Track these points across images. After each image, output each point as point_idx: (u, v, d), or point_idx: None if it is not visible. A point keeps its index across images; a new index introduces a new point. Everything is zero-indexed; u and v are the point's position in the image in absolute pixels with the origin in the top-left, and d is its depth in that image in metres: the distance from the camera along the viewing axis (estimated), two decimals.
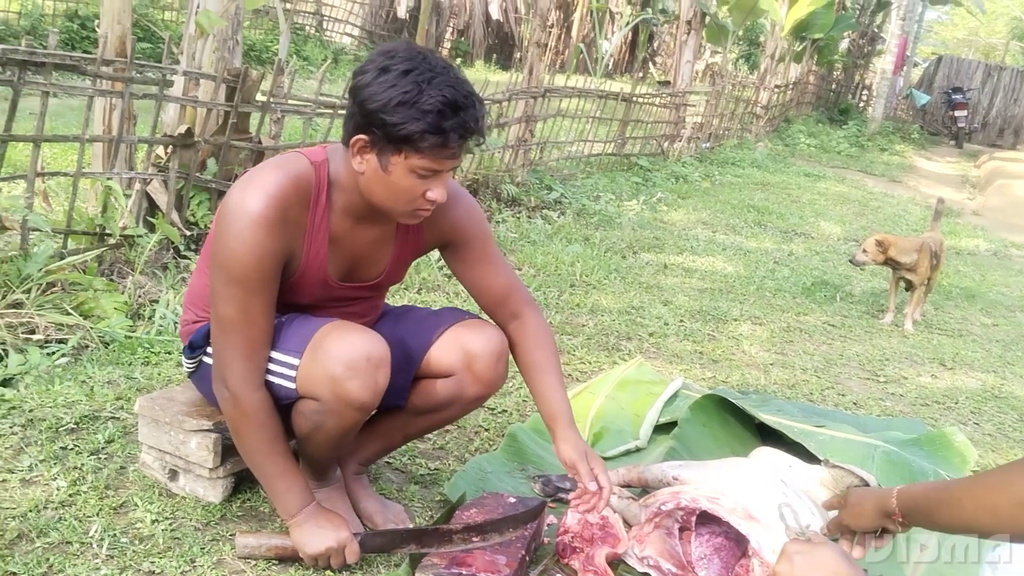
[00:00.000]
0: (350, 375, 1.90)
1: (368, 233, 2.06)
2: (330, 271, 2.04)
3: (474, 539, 2.08)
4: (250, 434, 1.97)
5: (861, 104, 21.56)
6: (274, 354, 1.99)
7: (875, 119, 18.19)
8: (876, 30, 21.26)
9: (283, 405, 2.03)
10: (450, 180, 2.02)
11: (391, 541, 2.10)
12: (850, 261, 5.24)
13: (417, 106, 1.78)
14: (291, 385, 1.97)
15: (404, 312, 2.33)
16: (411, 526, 2.26)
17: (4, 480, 2.21)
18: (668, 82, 16.11)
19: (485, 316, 2.29)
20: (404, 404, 2.21)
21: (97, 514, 2.12)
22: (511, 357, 2.23)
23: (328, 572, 2.03)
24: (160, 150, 4.07)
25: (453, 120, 1.80)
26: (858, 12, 19.36)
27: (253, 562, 2.03)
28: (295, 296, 2.04)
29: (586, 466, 2.02)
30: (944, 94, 20.81)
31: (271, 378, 1.99)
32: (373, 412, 2.07)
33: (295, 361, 1.96)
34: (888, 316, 5.12)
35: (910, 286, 5.08)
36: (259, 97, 4.32)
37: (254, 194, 1.87)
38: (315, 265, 2.01)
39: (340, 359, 1.91)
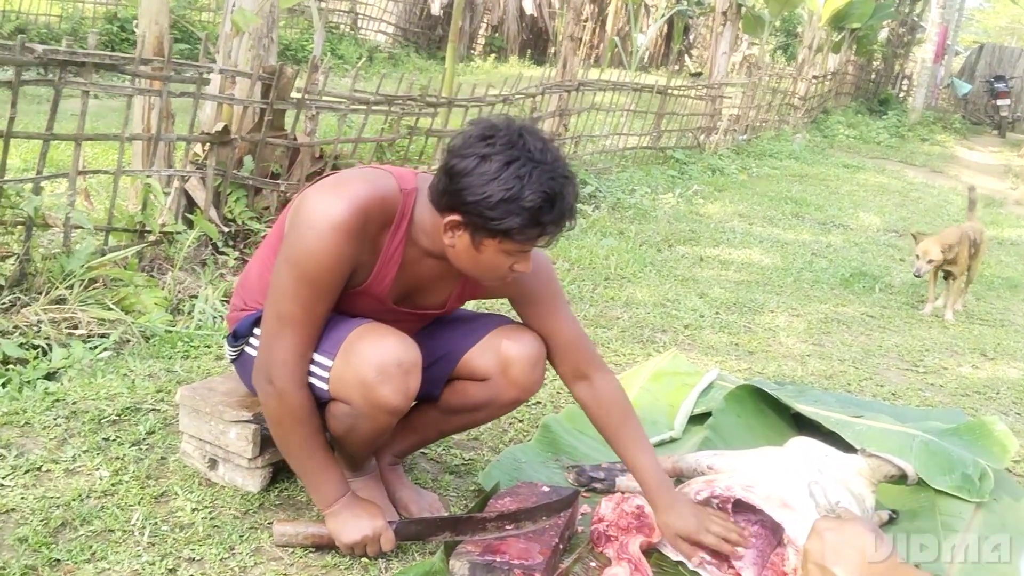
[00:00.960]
0: (381, 380, 1.91)
1: (436, 267, 2.05)
2: (390, 295, 2.06)
3: (508, 527, 2.09)
4: (292, 430, 1.98)
5: (901, 94, 21.26)
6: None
7: (915, 109, 17.92)
8: (916, 19, 20.92)
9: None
10: None
11: (426, 529, 2.12)
12: (915, 275, 5.00)
13: (519, 203, 1.79)
14: (324, 386, 1.99)
15: (457, 315, 2.32)
16: (446, 514, 2.28)
17: (49, 470, 2.26)
18: (699, 73, 15.99)
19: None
20: (438, 395, 2.22)
21: (139, 503, 2.16)
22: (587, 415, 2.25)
23: (364, 559, 2.05)
24: (198, 148, 4.14)
25: (551, 215, 1.83)
26: (897, 1, 19.06)
27: (291, 550, 2.06)
28: (346, 307, 2.03)
29: (688, 547, 2.07)
30: (986, 83, 20.43)
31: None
32: (405, 413, 2.08)
33: (328, 363, 1.97)
34: (928, 306, 5.05)
35: (950, 276, 5.01)
36: (294, 94, 4.36)
37: (340, 200, 1.87)
38: (379, 287, 2.02)
39: (372, 364, 1.91)
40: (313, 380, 1.99)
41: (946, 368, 4.11)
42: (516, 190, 1.78)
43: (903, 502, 2.58)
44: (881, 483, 2.37)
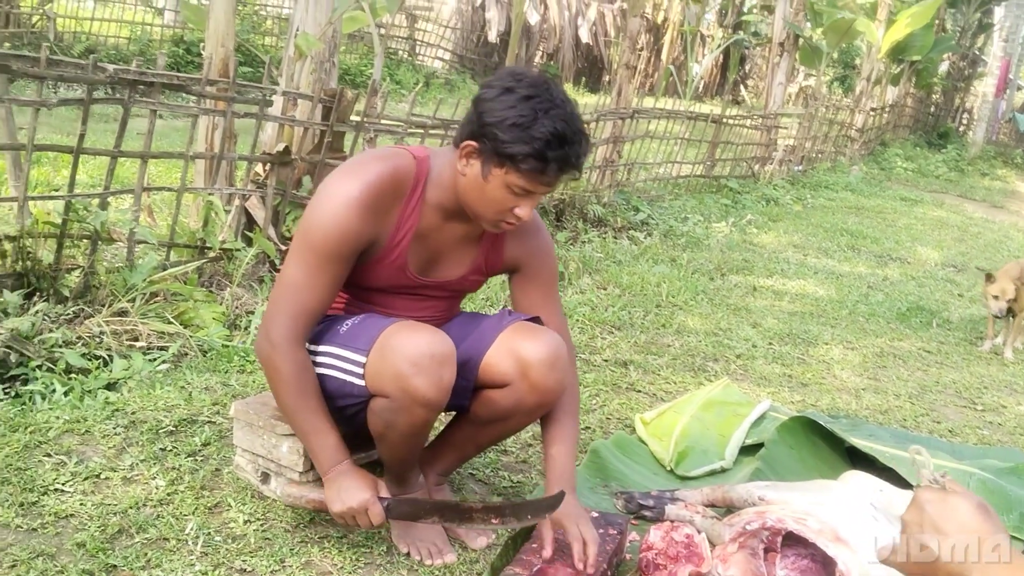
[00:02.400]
0: (416, 372, 1.95)
1: (453, 232, 2.15)
2: (410, 262, 2.13)
3: (493, 520, 2.07)
4: (284, 387, 2.03)
5: (961, 128, 20.91)
6: (342, 352, 2.06)
7: (976, 143, 17.61)
8: (977, 52, 20.61)
9: (357, 410, 2.09)
10: (534, 213, 2.17)
11: (416, 510, 2.12)
12: (997, 316, 4.88)
13: (529, 131, 1.90)
14: (360, 383, 2.03)
15: (471, 317, 2.38)
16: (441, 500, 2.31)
17: (107, 477, 2.31)
18: (738, 101, 15.86)
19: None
20: (467, 406, 2.24)
21: (193, 513, 2.20)
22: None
23: (423, 569, 2.07)
24: (259, 167, 4.22)
25: (558, 152, 1.92)
26: (958, 34, 18.80)
27: (341, 564, 2.08)
28: (370, 279, 2.13)
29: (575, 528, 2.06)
30: None
31: (341, 375, 2.06)
32: (441, 410, 2.10)
33: (362, 359, 2.02)
34: (987, 343, 4.94)
35: (1010, 312, 4.90)
36: (353, 117, 4.44)
37: (353, 178, 2.01)
38: (396, 252, 2.10)
39: (406, 356, 1.95)
40: (350, 378, 2.05)
41: (1005, 406, 4.01)
42: (529, 119, 1.90)
43: None
44: None
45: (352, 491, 2.02)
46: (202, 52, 4.92)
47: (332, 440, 2.05)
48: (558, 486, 2.13)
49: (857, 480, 2.41)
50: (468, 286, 2.30)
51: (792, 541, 2.15)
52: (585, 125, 2.00)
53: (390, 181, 2.03)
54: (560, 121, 1.91)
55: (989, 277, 4.94)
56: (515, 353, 2.14)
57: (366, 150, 2.27)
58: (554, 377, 2.14)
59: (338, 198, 1.98)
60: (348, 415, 2.11)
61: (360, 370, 2.02)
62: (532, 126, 1.90)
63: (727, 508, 2.43)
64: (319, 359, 2.09)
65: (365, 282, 2.14)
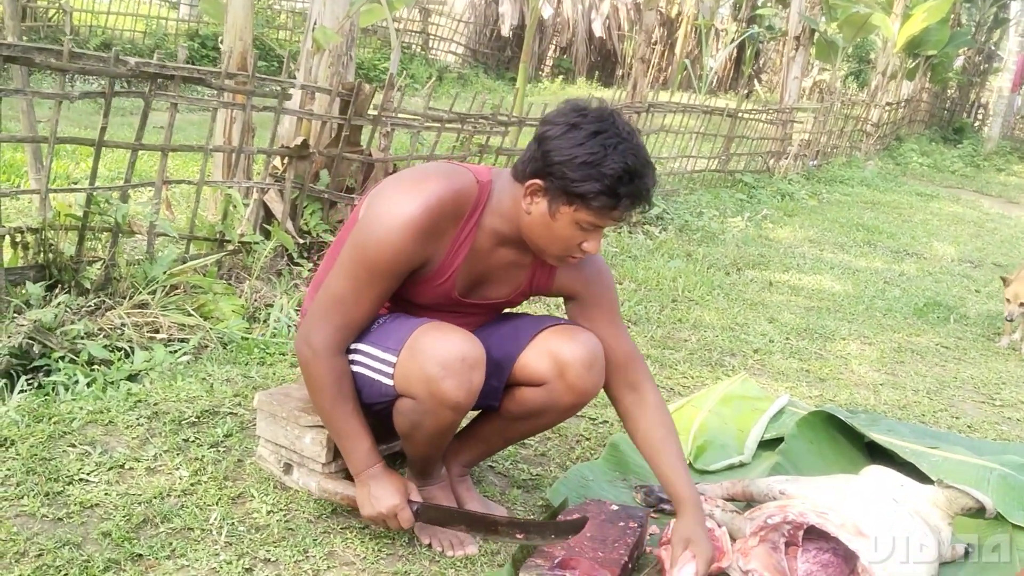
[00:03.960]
0: (445, 375, 1.95)
1: (504, 257, 2.11)
2: (456, 284, 2.10)
3: (518, 535, 2.10)
4: (322, 392, 2.04)
5: (976, 123, 20.78)
6: (373, 351, 2.06)
7: (991, 138, 17.51)
8: (993, 47, 20.49)
9: (383, 407, 2.10)
10: None
11: (445, 517, 2.15)
12: (1008, 320, 4.84)
13: (599, 168, 1.86)
14: (389, 382, 2.03)
15: (502, 317, 2.35)
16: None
17: (131, 468, 2.33)
18: (748, 94, 15.81)
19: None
20: (498, 406, 2.24)
21: (216, 503, 2.21)
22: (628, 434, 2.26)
23: (447, 562, 2.07)
24: (277, 161, 4.24)
25: (629, 187, 1.89)
26: (974, 29, 18.68)
27: (363, 554, 2.10)
28: (414, 295, 2.10)
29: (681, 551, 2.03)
30: None
31: (370, 373, 2.06)
32: (468, 412, 2.11)
33: (392, 359, 2.02)
34: (1005, 339, 4.92)
35: None
36: (370, 111, 4.44)
37: (414, 196, 1.95)
38: (445, 275, 2.07)
39: (436, 359, 1.95)
40: (378, 376, 2.05)
41: (1023, 402, 4.00)
42: (600, 156, 1.86)
43: (980, 536, 2.51)
44: (958, 516, 2.32)
45: (383, 496, 2.04)
46: (219, 46, 4.94)
47: (367, 444, 2.07)
48: (690, 507, 2.10)
49: (878, 475, 2.41)
50: (510, 305, 2.28)
51: (814, 535, 2.16)
52: (649, 156, 1.96)
53: (451, 204, 1.98)
54: (630, 155, 1.88)
55: (1005, 280, 4.92)
56: (553, 354, 2.13)
57: (426, 164, 2.23)
58: (591, 379, 2.14)
59: (397, 218, 1.93)
60: (374, 411, 2.12)
61: (390, 369, 2.02)
62: (602, 163, 1.86)
63: (747, 502, 2.43)
64: (350, 355, 2.09)
65: (409, 296, 2.11)
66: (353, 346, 2.08)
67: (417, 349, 1.99)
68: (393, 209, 1.95)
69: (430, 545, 2.17)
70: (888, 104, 14.38)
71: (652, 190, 1.96)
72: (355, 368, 2.08)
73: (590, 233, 1.96)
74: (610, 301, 2.25)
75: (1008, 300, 4.80)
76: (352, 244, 2.00)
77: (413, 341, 2.00)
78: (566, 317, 2.29)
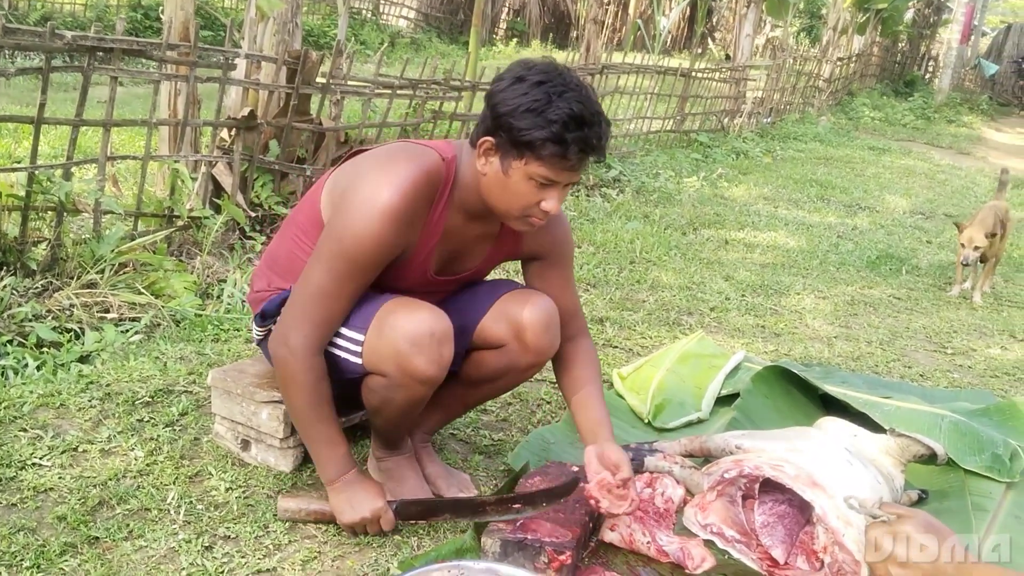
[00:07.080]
0: (415, 351, 1.94)
1: (473, 231, 2.10)
2: (433, 264, 2.09)
3: (514, 507, 2.08)
4: (299, 395, 2.00)
5: (927, 75, 21.00)
6: (340, 329, 2.03)
7: (942, 90, 17.73)
8: None
9: (349, 380, 2.08)
10: None
11: (427, 510, 2.14)
12: (964, 264, 4.88)
13: (544, 115, 1.83)
14: (357, 360, 2.02)
15: (463, 286, 2.35)
16: (475, 494, 2.29)
17: (85, 450, 2.30)
18: (729, 56, 15.84)
19: None
20: (458, 372, 2.24)
21: (173, 482, 2.19)
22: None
23: (396, 537, 2.07)
24: (224, 133, 4.16)
25: (576, 133, 1.85)
26: None
27: (324, 527, 2.09)
28: (391, 280, 2.06)
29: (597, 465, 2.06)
30: (1014, 63, 20.19)
31: (337, 352, 2.04)
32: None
33: (360, 337, 2.00)
34: (955, 288, 5.01)
35: (982, 259, 4.95)
36: (319, 79, 4.38)
37: (389, 184, 1.91)
38: (421, 258, 2.06)
39: (405, 336, 1.94)
40: (346, 355, 2.03)
41: (974, 350, 4.08)
42: (543, 102, 1.83)
43: (933, 482, 2.57)
44: (911, 463, 2.37)
45: (365, 500, 2.03)
46: (161, 17, 4.82)
47: (343, 450, 2.05)
48: (603, 431, 2.12)
49: (832, 426, 2.45)
50: (480, 275, 2.27)
51: (769, 488, 2.19)
52: (601, 107, 1.92)
53: (424, 187, 1.95)
54: (575, 102, 1.84)
55: (959, 226, 4.99)
56: (510, 317, 2.14)
57: (391, 143, 2.18)
58: (547, 339, 2.16)
59: (374, 207, 1.89)
60: (339, 385, 2.09)
61: (358, 348, 2.00)
62: (546, 110, 1.82)
63: (705, 458, 2.46)
64: None
65: (385, 282, 2.06)
66: None
67: (385, 326, 1.97)
68: (369, 198, 1.90)
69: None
70: (840, 59, 14.46)
71: (604, 140, 1.92)
72: None
73: (547, 190, 1.91)
74: (567, 261, 2.28)
75: (963, 245, 4.86)
76: (329, 238, 1.95)
77: (380, 319, 1.98)
78: (522, 280, 2.28)
